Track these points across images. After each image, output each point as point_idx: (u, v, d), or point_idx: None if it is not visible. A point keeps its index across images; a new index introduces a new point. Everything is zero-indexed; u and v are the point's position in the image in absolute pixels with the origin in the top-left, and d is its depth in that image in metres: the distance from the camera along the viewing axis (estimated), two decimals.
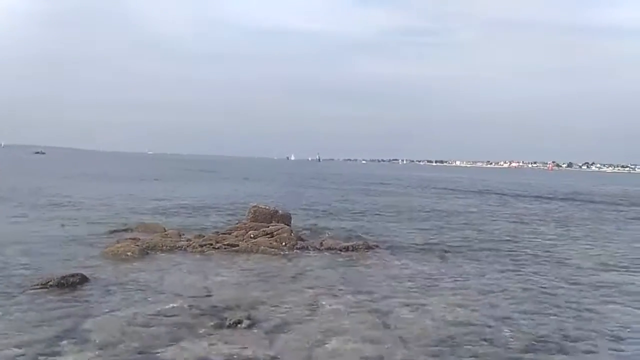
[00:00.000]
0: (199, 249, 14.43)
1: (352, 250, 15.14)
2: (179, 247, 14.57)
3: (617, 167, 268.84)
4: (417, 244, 16.93)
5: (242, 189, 41.26)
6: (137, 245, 13.93)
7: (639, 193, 59.21)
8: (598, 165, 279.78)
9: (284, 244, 15.08)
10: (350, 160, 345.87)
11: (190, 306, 9.37)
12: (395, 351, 7.68)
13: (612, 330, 8.99)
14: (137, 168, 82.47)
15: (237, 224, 16.75)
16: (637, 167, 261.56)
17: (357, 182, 61.35)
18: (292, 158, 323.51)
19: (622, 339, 8.60)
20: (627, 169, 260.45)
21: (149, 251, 13.92)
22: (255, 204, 17.60)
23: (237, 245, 14.72)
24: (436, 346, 7.96)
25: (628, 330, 9.05)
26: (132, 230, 17.10)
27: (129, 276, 11.41)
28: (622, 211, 33.89)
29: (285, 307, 9.58)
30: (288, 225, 16.62)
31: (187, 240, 15.18)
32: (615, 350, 8.13)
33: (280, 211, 17.34)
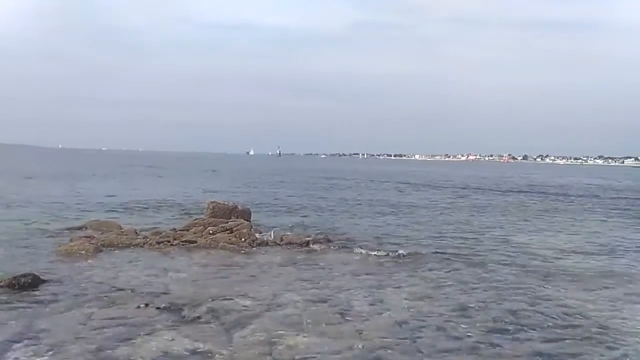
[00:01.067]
0: (156, 246, 14.21)
1: (313, 245, 15.18)
2: (135, 244, 14.32)
3: (570, 159, 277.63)
4: (377, 238, 17.09)
5: (201, 185, 40.73)
6: (92, 244, 13.61)
7: (591, 185, 61.21)
8: (552, 157, 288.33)
9: (243, 239, 14.99)
10: (311, 154, 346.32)
11: (147, 303, 9.21)
12: (354, 345, 7.72)
13: (566, 316, 9.29)
14: (90, 165, 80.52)
15: (195, 220, 16.55)
16: (589, 159, 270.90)
17: (318, 177, 61.45)
18: (252, 153, 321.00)
19: (575, 324, 8.89)
20: (580, 161, 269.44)
21: (104, 249, 13.63)
22: (213, 200, 17.46)
23: (195, 242, 14.57)
24: (395, 339, 8.05)
25: (580, 315, 9.37)
26: (86, 228, 16.67)
27: (84, 275, 11.14)
28: (575, 202, 35.04)
29: (245, 302, 9.53)
30: (248, 221, 16.54)
31: (143, 238, 14.91)
32: (568, 334, 8.39)
33: (239, 207, 17.24)
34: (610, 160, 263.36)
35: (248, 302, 9.58)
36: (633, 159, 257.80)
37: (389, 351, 7.56)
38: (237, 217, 16.39)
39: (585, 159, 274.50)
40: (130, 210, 22.62)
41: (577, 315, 9.34)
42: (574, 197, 39.69)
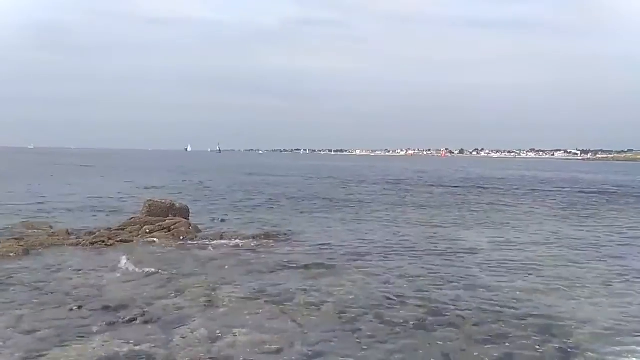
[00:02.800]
0: (90, 246, 13.76)
1: (253, 241, 15.11)
2: (68, 245, 13.82)
3: (504, 152, 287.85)
4: (319, 233, 17.18)
5: (136, 183, 39.52)
6: (21, 245, 13.04)
7: (523, 177, 63.64)
8: (487, 151, 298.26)
9: (182, 238, 14.75)
10: (252, 150, 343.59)
11: (81, 305, 8.92)
12: (295, 339, 7.74)
13: (499, 303, 9.61)
14: (19, 163, 76.98)
15: (130, 219, 16.11)
16: (522, 152, 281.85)
17: (260, 173, 61.04)
18: (190, 149, 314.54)
19: (508, 311, 9.22)
20: (513, 154, 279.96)
21: (34, 250, 13.08)
22: (150, 198, 17.07)
23: (131, 241, 14.21)
24: (335, 330, 8.13)
25: (513, 302, 9.72)
26: (15, 229, 15.96)
27: (13, 277, 10.66)
28: (513, 194, 36.33)
29: (183, 301, 9.37)
30: (186, 218, 16.28)
31: (76, 238, 14.42)
32: (501, 320, 8.67)
33: (177, 204, 16.93)
34: (541, 153, 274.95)
35: (187, 300, 9.43)
36: (562, 151, 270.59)
37: (330, 343, 7.62)
38: (175, 215, 16.09)
39: (518, 152, 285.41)
40: (62, 210, 21.65)
41: (510, 303, 9.67)
42: (511, 190, 41.10)
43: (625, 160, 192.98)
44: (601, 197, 34.59)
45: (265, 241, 15.18)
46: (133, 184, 37.60)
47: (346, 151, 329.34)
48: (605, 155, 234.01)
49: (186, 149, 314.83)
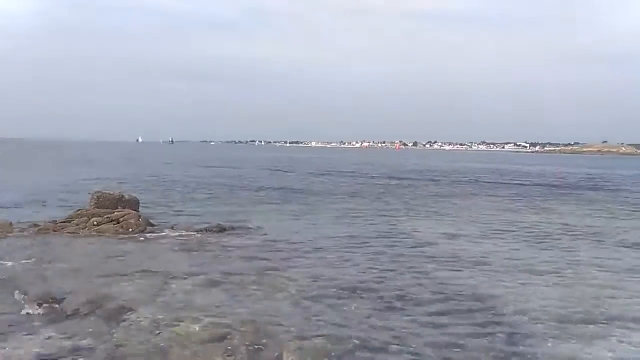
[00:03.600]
0: (34, 237, 13.27)
1: (206, 233, 14.91)
2: (12, 237, 13.29)
3: (457, 145, 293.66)
4: (273, 225, 17.06)
5: (83, 175, 38.14)
6: None
7: (475, 168, 65.09)
8: (440, 144, 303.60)
9: (131, 230, 14.41)
10: (206, 142, 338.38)
11: (24, 299, 8.60)
12: (246, 328, 7.67)
13: (452, 292, 9.77)
14: None
15: (77, 211, 15.59)
16: (474, 145, 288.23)
17: (214, 165, 60.24)
18: (141, 140, 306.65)
19: (456, 299, 9.40)
20: (465, 147, 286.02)
21: None
22: (98, 190, 16.57)
23: (78, 234, 13.79)
24: (289, 320, 8.05)
25: (464, 291, 9.89)
26: None
27: None
28: (464, 186, 37.08)
29: (131, 291, 9.17)
30: (136, 211, 15.88)
31: (20, 231, 13.89)
32: (449, 308, 8.85)
33: (127, 196, 16.50)
34: (492, 146, 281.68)
35: (134, 291, 9.22)
36: (512, 144, 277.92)
37: (283, 332, 7.55)
38: (125, 208, 15.67)
39: (470, 145, 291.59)
40: (3, 203, 20.76)
41: (460, 292, 9.81)
42: (462, 182, 41.94)
43: (572, 153, 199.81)
44: (548, 189, 35.69)
45: (217, 234, 14.97)
46: (80, 176, 36.25)
47: (302, 143, 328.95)
48: (552, 148, 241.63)
49: (137, 140, 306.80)
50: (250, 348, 6.98)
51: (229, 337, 7.32)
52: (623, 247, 14.53)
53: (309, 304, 8.89)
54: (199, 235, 14.65)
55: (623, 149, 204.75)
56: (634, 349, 7.35)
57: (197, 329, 7.55)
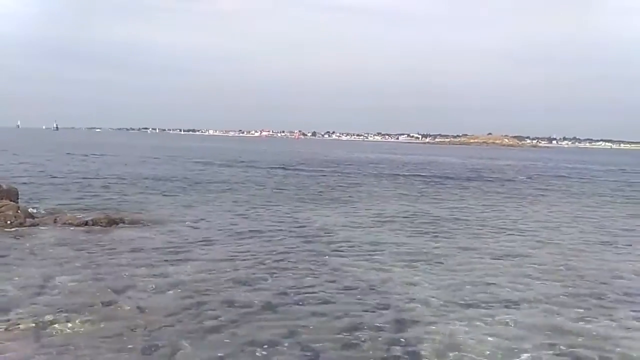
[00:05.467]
0: None
1: (93, 226, 14.14)
2: None
3: (353, 135, 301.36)
4: (165, 216, 16.57)
5: None
6: None
7: (368, 159, 66.88)
8: (337, 134, 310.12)
9: (9, 222, 13.37)
10: (94, 129, 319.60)
11: None
12: (136, 324, 7.41)
13: (346, 281, 9.96)
14: None
15: None
16: (370, 135, 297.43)
17: (101, 153, 57.03)
18: (20, 126, 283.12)
19: (349, 286, 9.60)
20: (361, 137, 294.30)
21: None
22: None
23: None
24: (178, 314, 7.89)
25: (357, 278, 10.14)
26: None
27: None
28: (361, 176, 37.90)
29: (8, 288, 8.57)
30: (15, 201, 14.75)
31: None
32: (343, 295, 9.04)
33: (4, 186, 15.29)
34: (387, 137, 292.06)
35: (12, 288, 8.62)
36: (406, 135, 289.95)
37: (172, 328, 7.36)
38: (2, 199, 14.50)
39: (366, 135, 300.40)
40: None
41: (353, 280, 10.08)
42: (359, 172, 42.92)
43: (460, 144, 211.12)
44: (438, 179, 37.45)
45: (105, 227, 14.26)
46: None
47: (198, 131, 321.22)
48: (443, 140, 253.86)
49: (17, 126, 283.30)
50: (140, 346, 6.71)
51: (118, 334, 7.03)
52: (503, 233, 15.52)
53: (200, 297, 8.72)
54: (85, 228, 13.88)
55: (506, 140, 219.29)
56: (512, 327, 7.90)
57: (82, 327, 7.17)
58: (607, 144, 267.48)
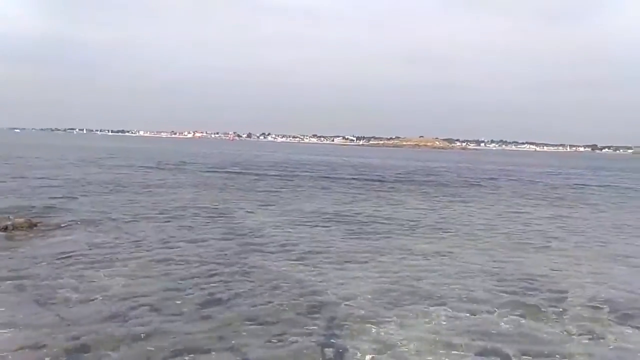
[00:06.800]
0: None
1: (11, 230, 13.40)
2: None
3: (290, 137, 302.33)
4: (94, 218, 15.97)
5: None
6: None
7: (307, 162, 67.07)
8: (273, 135, 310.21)
9: None
10: (14, 129, 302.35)
11: None
12: (58, 334, 7.09)
13: (276, 281, 9.89)
14: None
15: None
16: (305, 137, 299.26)
17: (23, 154, 54.33)
18: None
19: (280, 289, 9.53)
20: (297, 139, 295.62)
21: None
22: None
23: None
24: (104, 323, 7.58)
25: (286, 280, 10.06)
26: None
27: None
28: (291, 177, 37.91)
29: None
30: None
31: None
32: (274, 299, 8.93)
33: None
34: (322, 139, 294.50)
35: None
36: (341, 137, 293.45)
37: (96, 337, 7.07)
38: None
39: (302, 137, 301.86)
40: None
41: (283, 281, 10.02)
42: (290, 173, 42.94)
43: (394, 146, 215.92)
44: (374, 181, 38.01)
45: (29, 229, 13.57)
46: None
47: (128, 132, 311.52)
48: (377, 142, 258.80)
49: None
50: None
51: (40, 345, 6.72)
52: (435, 233, 15.90)
53: (128, 304, 8.42)
54: (5, 232, 13.13)
55: (437, 142, 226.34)
56: (444, 323, 8.10)
57: (6, 340, 6.78)
58: (531, 146, 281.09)
